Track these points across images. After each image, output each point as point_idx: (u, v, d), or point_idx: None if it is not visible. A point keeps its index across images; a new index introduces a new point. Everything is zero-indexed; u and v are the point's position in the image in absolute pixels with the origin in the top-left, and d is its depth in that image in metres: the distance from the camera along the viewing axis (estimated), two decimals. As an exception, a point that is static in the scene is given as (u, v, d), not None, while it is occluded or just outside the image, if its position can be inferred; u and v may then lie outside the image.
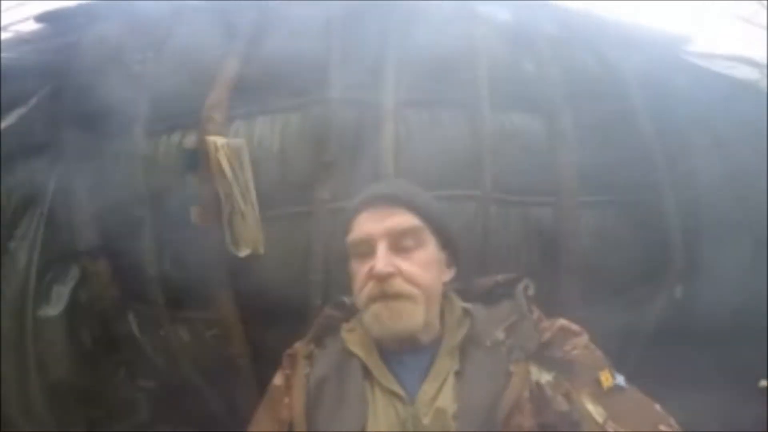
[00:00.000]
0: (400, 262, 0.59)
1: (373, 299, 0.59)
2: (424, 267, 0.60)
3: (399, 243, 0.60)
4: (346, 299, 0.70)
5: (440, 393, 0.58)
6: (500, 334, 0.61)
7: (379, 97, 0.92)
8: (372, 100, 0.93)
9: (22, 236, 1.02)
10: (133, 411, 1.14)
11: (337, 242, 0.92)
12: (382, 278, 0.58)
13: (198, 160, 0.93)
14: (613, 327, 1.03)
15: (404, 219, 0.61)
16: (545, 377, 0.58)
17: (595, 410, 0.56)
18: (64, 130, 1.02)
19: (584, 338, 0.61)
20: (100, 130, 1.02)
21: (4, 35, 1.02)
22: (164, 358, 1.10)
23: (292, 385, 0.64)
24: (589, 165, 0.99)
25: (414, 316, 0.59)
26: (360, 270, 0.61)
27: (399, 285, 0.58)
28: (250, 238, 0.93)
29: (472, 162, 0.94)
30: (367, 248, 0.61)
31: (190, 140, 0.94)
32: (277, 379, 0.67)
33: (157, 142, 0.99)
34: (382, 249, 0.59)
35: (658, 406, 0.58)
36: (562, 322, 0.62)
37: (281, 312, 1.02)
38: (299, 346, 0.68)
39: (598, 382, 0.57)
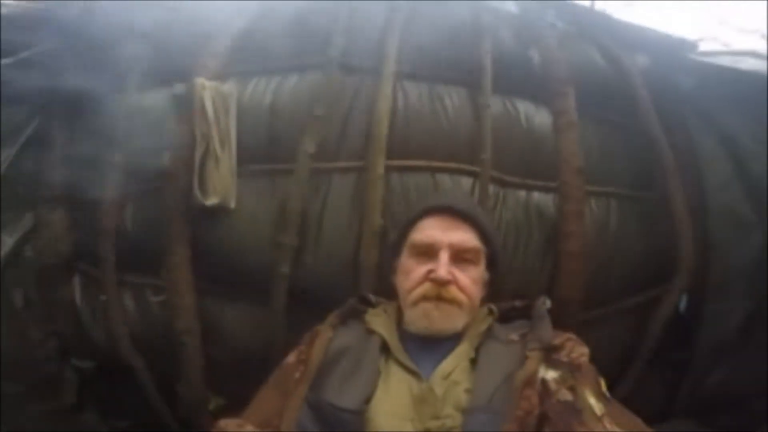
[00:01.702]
0: (456, 272, 0.66)
1: (427, 299, 0.65)
2: (474, 281, 0.67)
3: (459, 256, 0.67)
4: (371, 296, 0.75)
5: (456, 370, 0.62)
6: (515, 337, 0.66)
7: (379, 66, 0.91)
8: (372, 68, 0.91)
9: (-22, 175, 0.95)
10: (57, 391, 0.97)
11: (315, 206, 0.87)
12: (442, 283, 0.64)
13: (182, 103, 0.89)
14: (615, 334, 0.92)
15: (468, 237, 0.68)
16: (551, 374, 0.61)
17: (596, 404, 0.58)
18: (56, 78, 1.00)
19: (588, 352, 0.64)
20: (96, 82, 0.99)
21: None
22: (102, 331, 0.96)
23: (308, 354, 0.66)
24: (593, 156, 0.95)
25: (458, 320, 0.66)
26: (416, 269, 0.67)
27: (454, 292, 0.65)
28: (220, 186, 0.85)
29: (471, 139, 0.90)
30: (428, 251, 0.67)
31: (180, 87, 0.91)
32: (291, 357, 0.69)
33: (148, 93, 0.96)
34: (444, 257, 0.65)
35: (640, 420, 0.61)
36: (571, 335, 0.67)
37: (241, 281, 0.90)
38: (324, 325, 0.71)
39: (599, 384, 0.62)
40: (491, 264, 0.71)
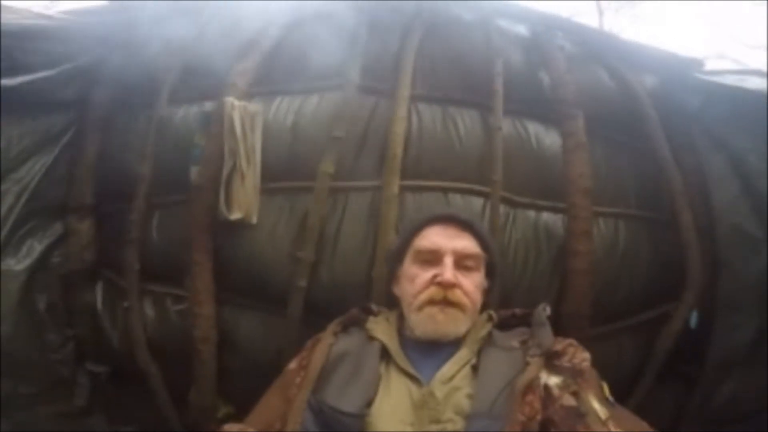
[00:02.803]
0: (460, 277, 0.68)
1: (432, 302, 0.67)
2: (476, 286, 0.70)
3: (462, 262, 0.69)
4: (374, 306, 0.77)
5: (457, 375, 0.63)
6: (515, 344, 0.67)
7: (394, 89, 0.95)
8: (388, 91, 0.96)
9: (16, 181, 1.00)
10: (70, 395, 0.99)
11: (332, 223, 0.90)
12: (448, 286, 0.66)
13: (211, 120, 0.94)
14: (625, 349, 0.92)
15: (471, 244, 0.71)
16: (553, 380, 0.62)
17: (600, 408, 0.60)
18: (95, 91, 1.06)
19: (589, 357, 0.65)
20: (130, 95, 1.06)
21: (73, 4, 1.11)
22: (120, 336, 0.99)
23: (309, 360, 0.68)
24: (602, 176, 0.97)
25: (462, 324, 0.67)
26: (421, 275, 0.69)
27: (459, 295, 0.67)
28: (244, 202, 0.89)
29: (482, 160, 0.94)
30: (433, 258, 0.69)
31: (210, 105, 0.97)
32: (292, 364, 0.71)
33: (179, 108, 1.02)
34: (449, 262, 0.68)
35: (645, 423, 0.62)
36: (572, 340, 0.68)
37: (259, 293, 0.93)
38: (326, 332, 0.73)
39: (602, 389, 0.63)
40: (490, 272, 0.73)
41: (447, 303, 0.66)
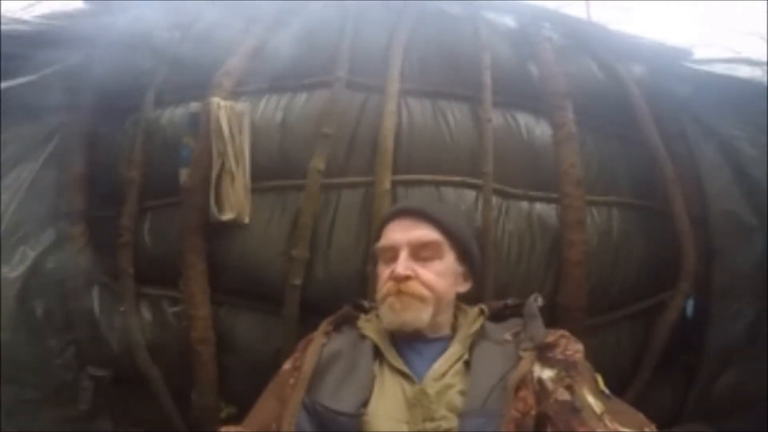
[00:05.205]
0: (417, 268, 0.67)
1: (390, 295, 0.67)
2: (439, 275, 0.68)
3: (419, 252, 0.69)
4: (365, 302, 0.77)
5: (449, 371, 0.63)
6: (508, 336, 0.67)
7: (383, 84, 0.94)
8: (377, 86, 0.95)
9: (4, 188, 0.99)
10: (73, 399, 1.01)
11: (325, 221, 0.90)
12: (400, 279, 0.66)
13: (198, 121, 0.93)
14: (623, 339, 0.94)
15: (426, 233, 0.69)
16: (547, 373, 0.61)
17: (594, 403, 0.59)
18: (80, 95, 1.05)
19: (582, 348, 0.65)
20: (115, 98, 1.04)
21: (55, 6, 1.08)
22: (119, 341, 0.99)
23: (303, 361, 0.68)
24: (593, 166, 0.97)
25: (421, 313, 0.66)
26: (384, 272, 0.70)
27: (414, 287, 0.67)
28: (236, 202, 0.89)
29: (473, 152, 0.94)
30: (392, 254, 0.70)
31: (196, 106, 0.95)
32: (286, 365, 0.71)
33: (165, 110, 1.01)
34: (403, 255, 0.68)
35: (641, 414, 0.61)
36: (564, 332, 0.67)
37: (254, 293, 0.94)
38: (318, 331, 0.73)
39: (596, 382, 0.62)
40: (463, 256, 0.71)
41: (403, 294, 0.66)
